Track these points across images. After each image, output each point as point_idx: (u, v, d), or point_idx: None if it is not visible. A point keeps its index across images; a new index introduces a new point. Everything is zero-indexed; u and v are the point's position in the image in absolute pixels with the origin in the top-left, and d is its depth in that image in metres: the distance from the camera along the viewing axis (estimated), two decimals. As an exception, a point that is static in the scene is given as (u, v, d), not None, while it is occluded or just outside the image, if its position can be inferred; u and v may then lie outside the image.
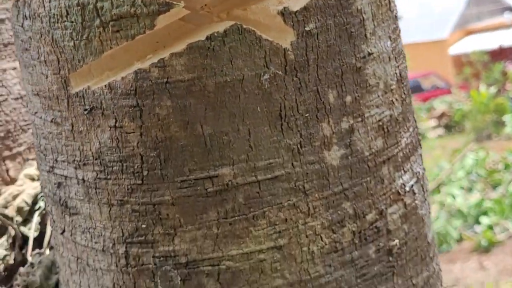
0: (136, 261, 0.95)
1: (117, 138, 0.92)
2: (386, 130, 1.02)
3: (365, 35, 0.98)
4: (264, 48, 0.91)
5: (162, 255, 0.94)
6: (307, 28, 0.93)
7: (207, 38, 0.89)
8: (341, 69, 0.96)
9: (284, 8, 0.91)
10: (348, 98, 0.97)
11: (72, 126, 0.95)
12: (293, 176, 0.94)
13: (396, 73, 1.04)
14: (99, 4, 0.89)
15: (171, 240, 0.94)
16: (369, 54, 0.99)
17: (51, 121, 0.98)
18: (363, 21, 0.98)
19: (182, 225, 0.93)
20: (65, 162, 0.98)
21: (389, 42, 1.03)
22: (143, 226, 0.94)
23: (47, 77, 0.96)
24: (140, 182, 0.93)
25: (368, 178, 1.00)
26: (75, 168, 0.97)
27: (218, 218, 0.93)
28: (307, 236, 0.96)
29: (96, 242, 0.98)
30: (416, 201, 1.07)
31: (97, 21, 0.89)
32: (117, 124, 0.92)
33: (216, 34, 0.89)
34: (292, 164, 0.94)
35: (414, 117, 1.11)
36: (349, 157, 0.98)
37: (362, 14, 0.98)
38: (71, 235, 1.02)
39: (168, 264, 0.94)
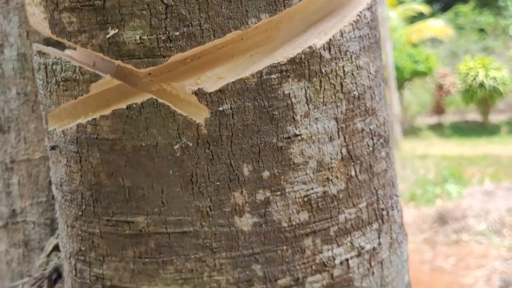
0: (80, 274, 1.15)
1: (68, 174, 1.12)
2: (315, 205, 1.08)
3: (293, 118, 1.05)
4: (178, 121, 1.03)
5: (95, 275, 1.13)
6: (220, 108, 1.02)
7: (127, 107, 1.03)
8: (258, 147, 1.04)
9: (199, 89, 1.02)
10: (266, 173, 1.05)
11: (51, 156, 1.17)
12: (201, 234, 1.06)
13: (341, 152, 1.09)
14: (54, 66, 1.08)
15: (101, 265, 1.12)
16: (296, 135, 1.05)
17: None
18: (292, 104, 1.04)
19: (108, 255, 1.11)
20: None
21: (332, 123, 1.07)
22: (83, 248, 1.13)
23: (43, 112, 1.18)
24: (81, 213, 1.12)
25: (284, 247, 1.08)
26: (55, 187, 1.19)
27: (134, 256, 1.09)
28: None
29: (63, 249, 1.20)
30: (351, 274, 1.12)
31: (54, 80, 1.09)
32: (67, 164, 1.11)
33: (134, 105, 1.03)
34: (201, 223, 1.06)
35: (377, 192, 1.14)
36: (263, 225, 1.06)
37: (291, 98, 1.04)
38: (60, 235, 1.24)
39: (99, 284, 1.13)
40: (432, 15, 20.15)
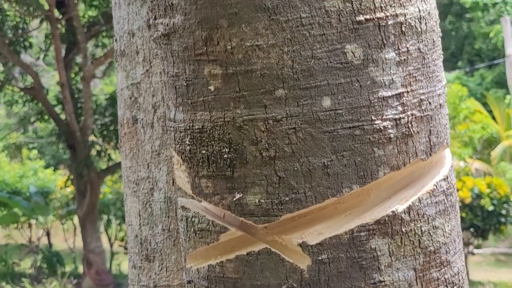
0: None
1: None
2: None
3: (378, 267, 1.31)
4: (286, 267, 1.31)
5: None
6: (319, 258, 1.30)
7: (247, 254, 1.33)
8: (350, 292, 1.30)
9: (303, 241, 1.30)
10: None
11: None
12: None
13: None
14: (193, 219, 1.39)
15: None
16: (381, 281, 1.31)
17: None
18: (377, 256, 1.30)
19: None
20: None
21: (411, 273, 1.32)
22: None
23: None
24: None
25: None
26: None
27: None
28: None
29: None
30: None
31: (192, 229, 1.40)
32: None
33: (252, 252, 1.32)
34: None
35: None
36: None
37: (377, 252, 1.30)
38: None
39: None
40: None
